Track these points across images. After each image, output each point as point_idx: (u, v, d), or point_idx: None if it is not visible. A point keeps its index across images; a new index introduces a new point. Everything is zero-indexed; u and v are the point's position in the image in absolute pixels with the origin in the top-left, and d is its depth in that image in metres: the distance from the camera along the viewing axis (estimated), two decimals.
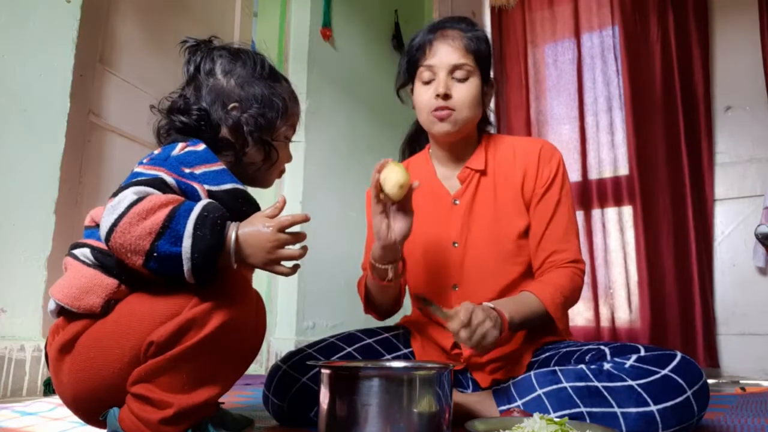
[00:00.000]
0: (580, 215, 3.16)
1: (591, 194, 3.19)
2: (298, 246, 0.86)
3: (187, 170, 0.89)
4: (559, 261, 1.24)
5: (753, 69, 2.91)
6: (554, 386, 1.03)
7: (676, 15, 3.08)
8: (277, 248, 0.83)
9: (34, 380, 1.53)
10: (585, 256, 3.07)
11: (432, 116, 1.25)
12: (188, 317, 0.80)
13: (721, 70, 3.02)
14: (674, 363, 0.99)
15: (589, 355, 1.11)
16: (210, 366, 0.82)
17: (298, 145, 2.70)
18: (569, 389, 1.01)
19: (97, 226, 0.90)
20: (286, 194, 2.66)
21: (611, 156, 3.19)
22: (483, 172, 1.31)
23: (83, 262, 0.87)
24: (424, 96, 1.26)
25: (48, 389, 1.53)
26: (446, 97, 1.23)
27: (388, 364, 1.00)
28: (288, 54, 2.81)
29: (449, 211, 1.31)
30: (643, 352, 1.03)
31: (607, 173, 3.20)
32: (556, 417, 0.92)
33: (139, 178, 0.85)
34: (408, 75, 1.32)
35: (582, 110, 3.29)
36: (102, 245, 0.85)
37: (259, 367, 2.56)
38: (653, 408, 0.95)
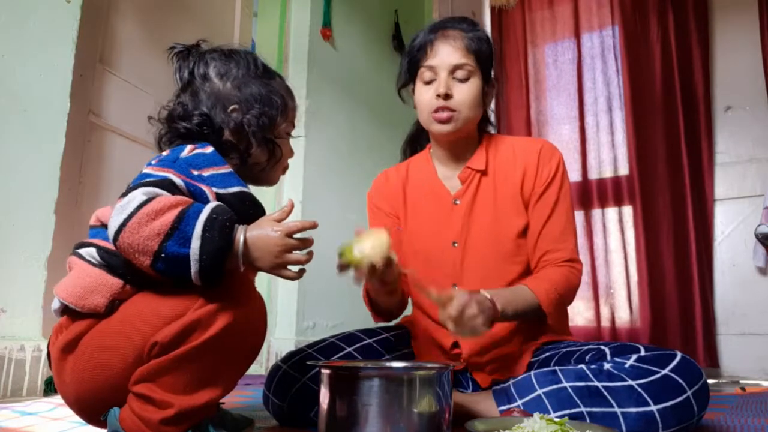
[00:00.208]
0: (580, 215, 3.16)
1: (591, 194, 3.19)
2: (304, 251, 0.86)
3: (195, 172, 0.89)
4: (555, 260, 1.24)
5: (753, 69, 2.91)
6: (554, 386, 1.03)
7: (676, 15, 3.09)
8: (284, 252, 0.84)
9: (34, 380, 1.53)
10: (585, 256, 3.08)
11: (433, 117, 1.25)
12: (193, 318, 0.80)
13: (721, 70, 3.02)
14: (674, 363, 0.99)
15: (589, 355, 1.11)
16: (213, 367, 0.83)
17: (298, 145, 2.71)
18: (569, 389, 1.01)
19: (103, 225, 0.90)
20: (285, 194, 2.66)
21: (611, 156, 3.20)
22: (484, 172, 1.31)
23: (89, 262, 0.87)
24: (425, 96, 1.27)
25: (49, 388, 1.54)
26: (447, 97, 1.23)
27: (388, 364, 1.00)
28: (288, 54, 2.81)
29: (449, 211, 1.31)
30: (643, 352, 1.03)
31: (607, 173, 3.20)
32: (556, 417, 0.92)
33: (148, 179, 0.85)
34: (409, 75, 1.32)
35: (582, 110, 3.29)
36: (108, 245, 0.86)
37: (259, 367, 2.56)
38: (653, 408, 0.95)
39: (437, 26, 1.29)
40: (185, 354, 0.80)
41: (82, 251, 0.88)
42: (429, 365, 0.91)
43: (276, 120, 1.03)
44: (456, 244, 1.28)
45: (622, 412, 0.96)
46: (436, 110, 1.24)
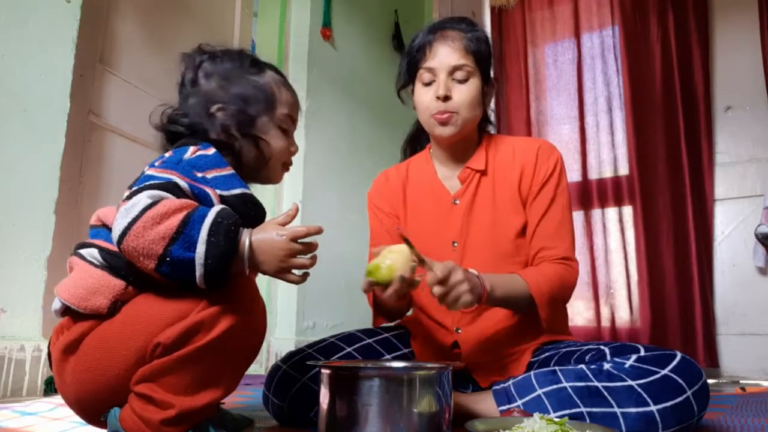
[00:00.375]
0: (580, 215, 3.16)
1: (591, 194, 3.19)
2: (308, 255, 0.87)
3: (199, 174, 0.89)
4: (549, 257, 1.24)
5: (753, 69, 2.91)
6: (554, 386, 1.03)
7: (676, 15, 3.09)
8: (289, 257, 0.84)
9: (34, 380, 1.53)
10: (585, 256, 3.08)
11: (433, 119, 1.25)
12: (196, 320, 0.80)
13: (721, 70, 3.02)
14: (674, 363, 0.99)
15: (589, 355, 1.11)
16: (214, 369, 0.83)
17: (298, 145, 2.70)
18: (569, 389, 1.01)
19: (104, 225, 0.90)
20: (285, 194, 2.66)
21: (611, 156, 3.20)
22: (483, 172, 1.31)
23: (90, 263, 0.87)
24: (424, 98, 1.27)
25: (50, 388, 1.54)
26: (446, 98, 1.23)
27: (388, 364, 1.00)
28: (288, 54, 2.81)
29: (449, 211, 1.31)
30: (643, 352, 1.03)
31: (608, 173, 3.20)
32: (556, 417, 0.92)
33: (152, 182, 0.84)
34: (408, 76, 1.32)
35: (582, 110, 3.29)
36: (110, 246, 0.86)
37: (259, 367, 2.56)
38: (653, 408, 0.95)
39: (436, 27, 1.29)
40: (188, 355, 0.80)
41: (84, 252, 0.88)
42: (429, 365, 0.91)
43: (257, 115, 1.01)
44: (456, 244, 1.28)
45: (622, 412, 0.96)
46: (436, 113, 1.24)
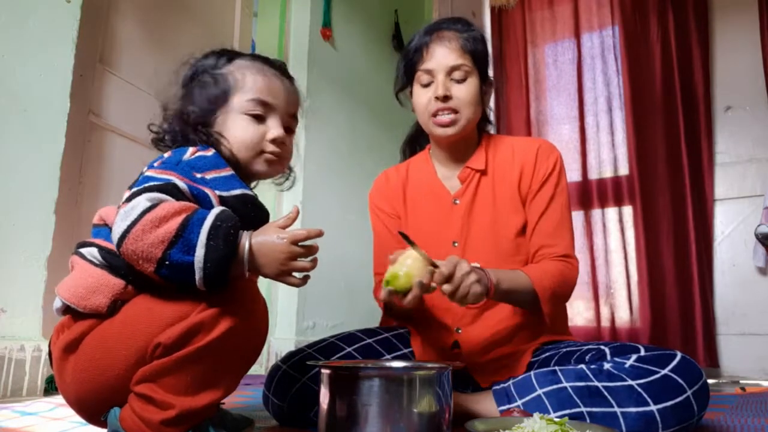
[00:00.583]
0: (580, 215, 3.16)
1: (591, 194, 3.19)
2: (309, 258, 0.86)
3: (198, 175, 0.89)
4: (549, 254, 1.24)
5: (753, 69, 2.91)
6: (554, 386, 1.03)
7: (676, 15, 3.09)
8: (290, 260, 0.83)
9: (34, 380, 1.53)
10: (585, 256, 3.08)
11: (434, 121, 1.26)
12: (197, 320, 0.80)
13: (721, 70, 3.02)
14: (674, 363, 0.99)
15: (589, 354, 1.11)
16: (215, 369, 0.83)
17: (298, 145, 2.70)
18: (569, 389, 1.01)
19: (106, 225, 0.90)
20: (285, 194, 2.66)
21: (611, 156, 3.20)
22: (483, 172, 1.31)
23: (90, 262, 0.87)
24: (423, 99, 1.27)
25: (50, 387, 1.54)
26: (446, 98, 1.23)
27: (388, 364, 1.00)
28: (288, 54, 2.81)
29: (449, 211, 1.31)
30: (643, 352, 1.03)
31: (608, 173, 3.20)
32: (556, 417, 0.92)
33: (152, 183, 0.84)
34: (406, 78, 1.32)
35: (582, 110, 3.29)
36: (110, 245, 0.85)
37: (259, 367, 2.56)
38: (653, 408, 0.95)
39: (432, 28, 1.29)
40: (188, 355, 0.80)
41: (84, 251, 0.88)
42: (429, 365, 0.91)
43: (208, 108, 0.98)
44: (456, 244, 1.28)
45: (622, 412, 0.96)
46: (437, 113, 1.25)
